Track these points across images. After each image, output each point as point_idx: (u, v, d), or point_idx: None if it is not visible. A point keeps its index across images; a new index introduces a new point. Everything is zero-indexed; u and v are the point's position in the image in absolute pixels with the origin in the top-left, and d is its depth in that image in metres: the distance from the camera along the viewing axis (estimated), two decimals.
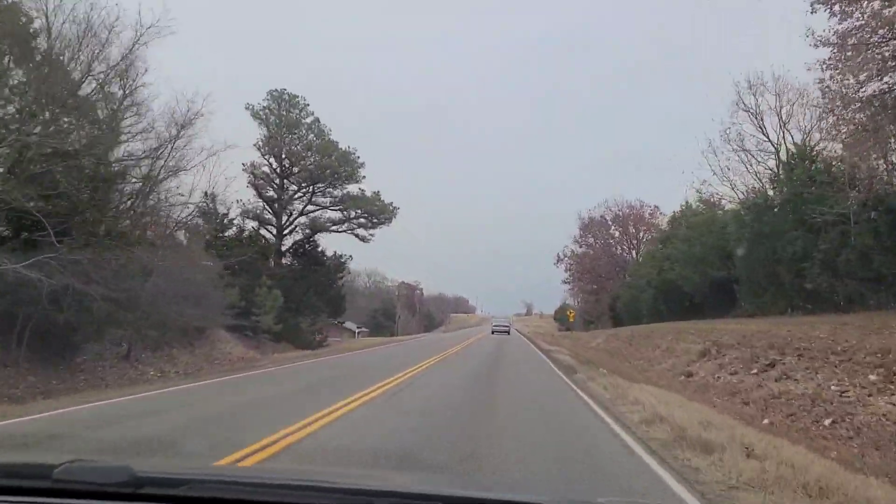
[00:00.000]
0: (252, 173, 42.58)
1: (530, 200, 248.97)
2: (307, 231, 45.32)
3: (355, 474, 4.02)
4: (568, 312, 61.34)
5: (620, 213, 69.56)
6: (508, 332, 59.98)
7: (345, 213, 46.17)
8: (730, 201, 38.13)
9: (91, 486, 1.92)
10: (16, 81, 17.57)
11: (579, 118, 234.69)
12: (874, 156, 21.62)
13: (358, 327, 70.13)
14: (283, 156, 43.63)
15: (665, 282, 39.55)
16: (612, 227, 71.04)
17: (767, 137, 35.22)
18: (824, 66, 19.79)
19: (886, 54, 17.98)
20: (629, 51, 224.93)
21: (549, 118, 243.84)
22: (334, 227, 46.45)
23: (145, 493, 1.95)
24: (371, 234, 47.47)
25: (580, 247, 73.43)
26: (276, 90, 43.38)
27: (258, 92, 66.65)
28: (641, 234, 68.25)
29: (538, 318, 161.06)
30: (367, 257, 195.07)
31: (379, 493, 2.04)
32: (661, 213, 66.24)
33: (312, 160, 43.62)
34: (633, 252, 68.32)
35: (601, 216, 71.24)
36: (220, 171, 60.21)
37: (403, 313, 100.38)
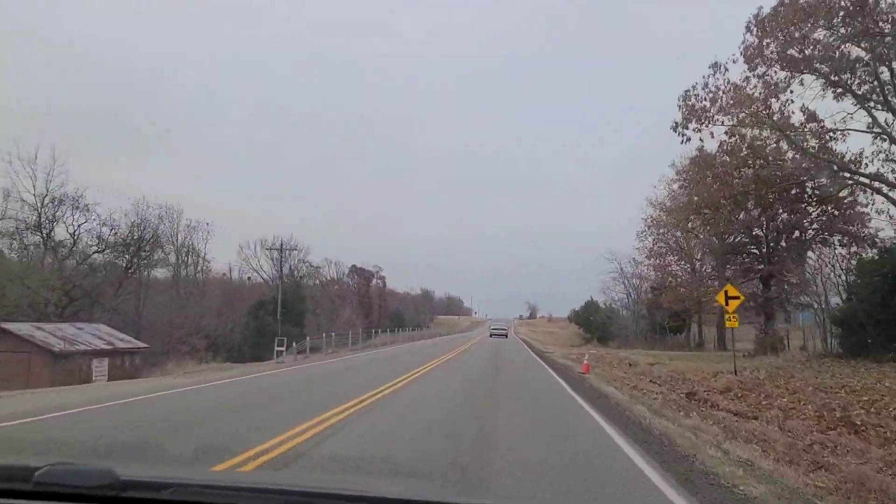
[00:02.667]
0: None
1: (532, 196, 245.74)
2: None
3: (342, 480, 4.28)
4: (724, 297, 21.87)
5: None
6: (506, 336, 67.06)
7: None
8: None
9: (73, 489, 1.87)
10: None
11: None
12: None
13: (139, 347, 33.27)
14: None
15: None
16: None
17: None
18: None
19: None
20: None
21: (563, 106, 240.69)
22: None
23: (128, 497, 1.90)
24: None
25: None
26: None
27: None
28: None
29: (546, 321, 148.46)
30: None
31: (363, 499, 2.00)
32: None
33: None
34: None
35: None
36: None
37: (349, 311, 73.53)
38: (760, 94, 26.98)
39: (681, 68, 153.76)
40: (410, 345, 47.26)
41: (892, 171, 27.32)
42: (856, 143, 34.00)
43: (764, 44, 26.69)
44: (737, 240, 35.41)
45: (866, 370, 21.08)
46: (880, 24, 24.14)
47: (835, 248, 32.16)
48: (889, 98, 25.50)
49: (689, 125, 28.09)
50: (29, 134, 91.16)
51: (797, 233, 33.98)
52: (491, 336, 65.14)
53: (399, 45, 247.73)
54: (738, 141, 29.18)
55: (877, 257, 27.16)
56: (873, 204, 29.69)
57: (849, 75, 26.11)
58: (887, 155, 27.12)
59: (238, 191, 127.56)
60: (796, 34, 25.48)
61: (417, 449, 7.81)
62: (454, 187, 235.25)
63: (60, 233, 41.46)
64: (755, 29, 26.90)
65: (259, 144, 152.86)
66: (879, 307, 23.50)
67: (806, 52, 25.98)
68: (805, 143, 28.01)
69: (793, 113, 27.63)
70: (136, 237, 44.68)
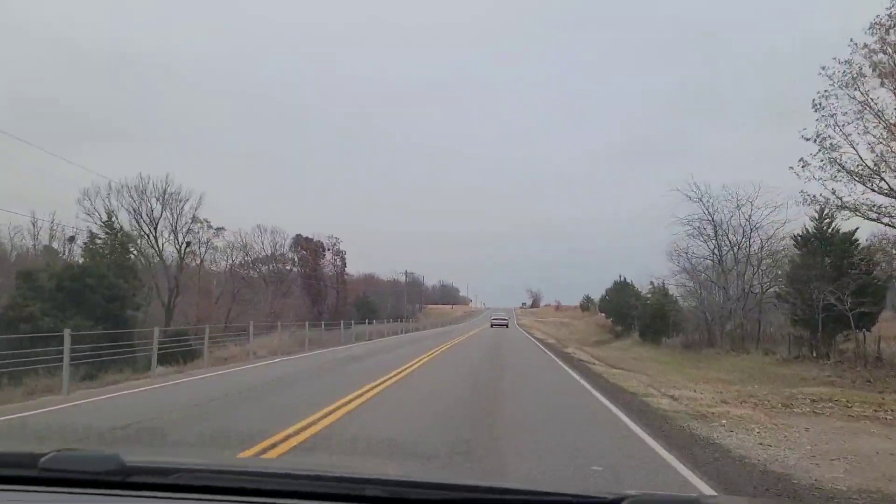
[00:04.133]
0: None
1: (531, 186, 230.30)
2: None
3: (349, 464, 4.19)
4: None
5: None
6: (507, 326, 64.23)
7: None
8: None
9: (78, 475, 1.87)
10: None
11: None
12: None
13: None
14: None
15: None
16: None
17: None
18: None
19: None
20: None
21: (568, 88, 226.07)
22: None
23: (134, 482, 1.88)
24: None
25: None
26: None
27: None
28: None
29: (553, 309, 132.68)
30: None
31: (370, 481, 1.98)
32: None
33: None
34: None
35: None
36: None
37: (293, 297, 56.02)
38: None
39: (676, 62, 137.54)
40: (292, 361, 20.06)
41: None
42: None
43: None
44: None
45: None
46: None
47: None
48: None
49: None
50: (26, 125, 77.92)
51: None
52: (492, 326, 63.04)
53: (397, 40, 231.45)
54: None
55: None
56: None
57: None
58: None
59: (238, 188, 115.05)
60: None
61: None
62: (453, 181, 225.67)
63: None
64: None
65: (258, 141, 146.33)
66: None
67: None
68: None
69: None
70: None
